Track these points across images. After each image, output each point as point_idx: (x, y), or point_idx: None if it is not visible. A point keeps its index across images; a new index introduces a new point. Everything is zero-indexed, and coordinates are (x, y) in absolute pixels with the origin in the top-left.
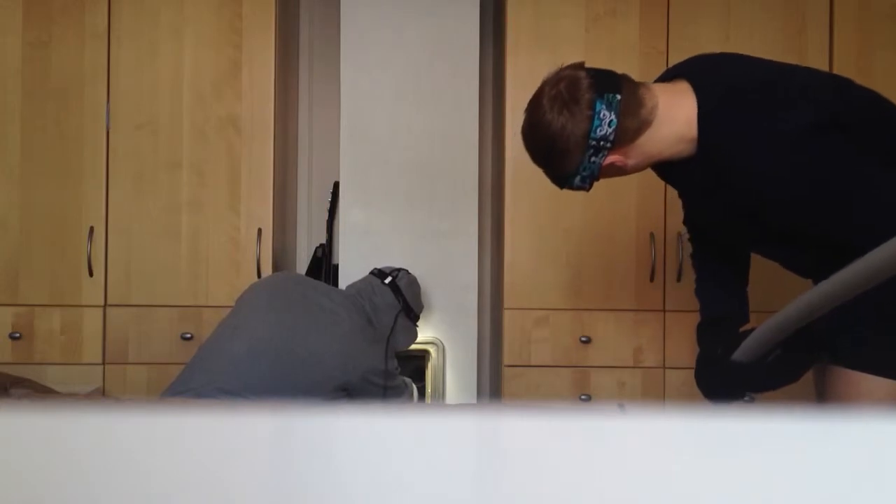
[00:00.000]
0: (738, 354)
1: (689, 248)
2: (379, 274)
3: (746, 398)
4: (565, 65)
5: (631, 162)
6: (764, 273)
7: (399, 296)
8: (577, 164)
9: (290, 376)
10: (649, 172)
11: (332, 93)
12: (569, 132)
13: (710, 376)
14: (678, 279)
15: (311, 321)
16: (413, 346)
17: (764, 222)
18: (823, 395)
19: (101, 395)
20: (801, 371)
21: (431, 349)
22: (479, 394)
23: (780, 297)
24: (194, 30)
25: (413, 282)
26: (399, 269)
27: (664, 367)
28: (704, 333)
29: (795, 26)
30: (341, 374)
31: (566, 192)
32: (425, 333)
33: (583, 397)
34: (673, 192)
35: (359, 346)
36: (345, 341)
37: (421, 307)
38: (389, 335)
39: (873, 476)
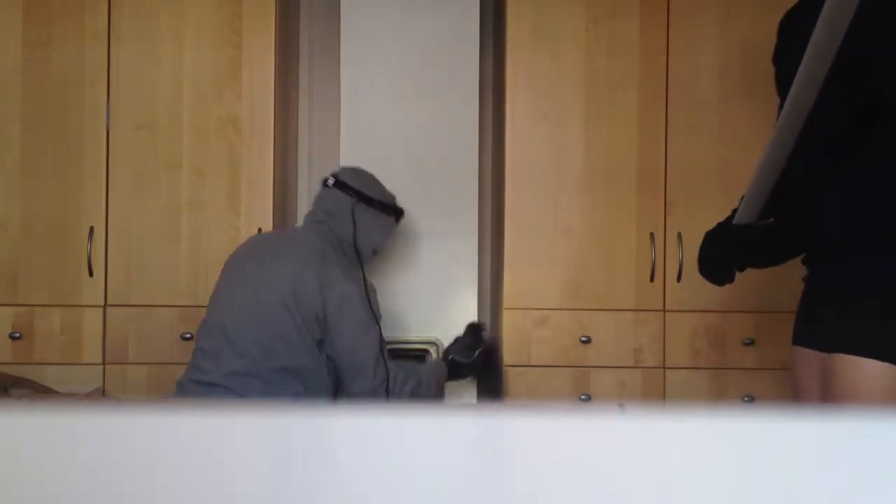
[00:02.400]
0: (737, 217)
1: (689, 247)
2: (323, 182)
3: (736, 270)
4: None
5: None
6: (765, 272)
7: (347, 190)
8: None
9: (269, 325)
10: (649, 172)
11: (332, 93)
12: None
13: (707, 244)
14: (678, 279)
15: (272, 265)
16: (413, 346)
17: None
18: (829, 385)
19: (101, 395)
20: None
21: (431, 349)
22: (479, 394)
23: (781, 298)
24: (194, 30)
25: (360, 173)
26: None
27: (664, 367)
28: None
29: None
30: (310, 300)
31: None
32: (425, 333)
33: (583, 397)
34: (673, 192)
35: (317, 265)
36: (300, 263)
37: (391, 196)
38: (354, 235)
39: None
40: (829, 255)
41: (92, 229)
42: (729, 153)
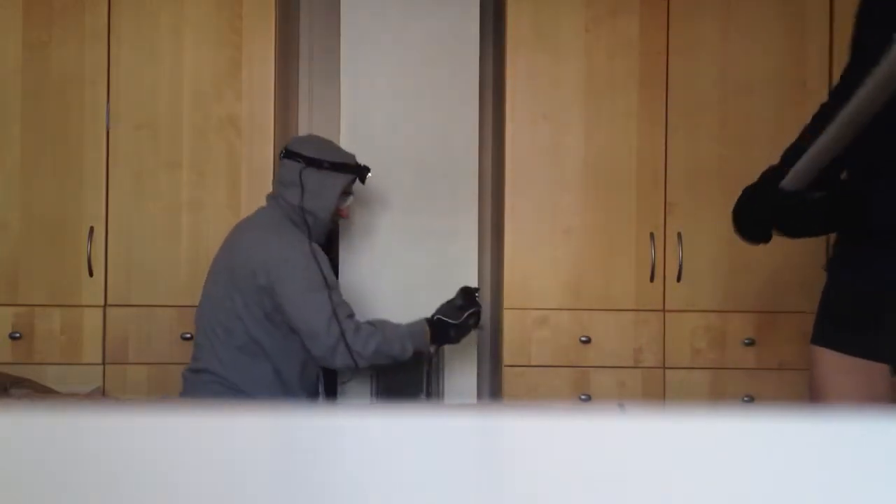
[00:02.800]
0: (785, 182)
1: (689, 247)
2: (280, 156)
3: (774, 233)
4: None
5: None
6: (766, 273)
7: (295, 157)
8: None
9: (224, 305)
10: (649, 172)
11: (332, 93)
12: None
13: (748, 201)
14: (678, 279)
15: (225, 248)
16: None
17: None
18: None
19: (101, 395)
20: (828, 221)
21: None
22: (479, 394)
23: (781, 298)
24: (194, 30)
25: (310, 138)
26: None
27: (664, 367)
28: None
29: (795, 26)
30: (249, 273)
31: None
32: None
33: (583, 397)
34: (673, 192)
35: (255, 237)
36: (241, 238)
37: (347, 156)
38: (302, 199)
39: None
40: (882, 249)
41: (92, 229)
42: (729, 153)
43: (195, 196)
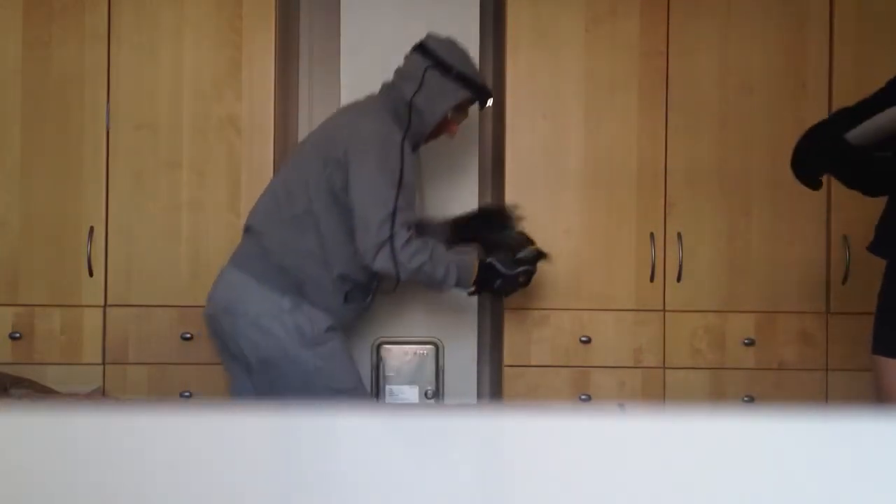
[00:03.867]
0: (852, 134)
1: (689, 247)
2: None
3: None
4: None
5: None
6: (766, 273)
7: (426, 54)
8: None
9: (298, 171)
10: (649, 172)
11: (332, 93)
12: None
13: (812, 139)
14: (678, 279)
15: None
16: (412, 346)
17: None
18: None
19: (101, 395)
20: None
21: (431, 349)
22: (479, 394)
23: (781, 298)
24: (194, 30)
25: (450, 43)
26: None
27: (664, 367)
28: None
29: (795, 26)
30: (336, 143)
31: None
32: (425, 333)
33: (583, 397)
34: (673, 192)
35: (356, 113)
36: (343, 113)
37: (478, 75)
38: (415, 94)
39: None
40: None
41: (92, 229)
42: (729, 153)
43: (195, 196)
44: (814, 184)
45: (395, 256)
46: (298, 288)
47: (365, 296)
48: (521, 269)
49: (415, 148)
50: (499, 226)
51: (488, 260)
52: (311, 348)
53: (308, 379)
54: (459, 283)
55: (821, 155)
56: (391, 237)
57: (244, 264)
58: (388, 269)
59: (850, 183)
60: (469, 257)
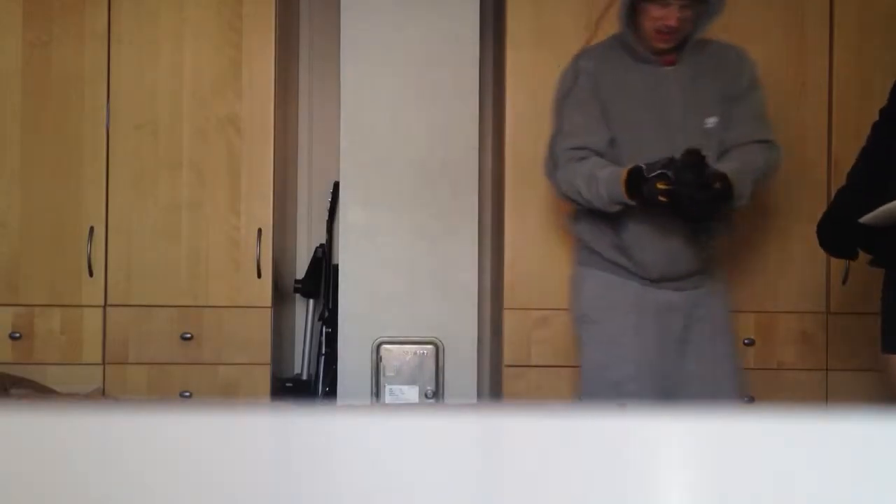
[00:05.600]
0: (867, 218)
1: None
2: None
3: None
4: None
5: None
6: (766, 273)
7: None
8: None
9: None
10: None
11: (332, 93)
12: None
13: (831, 228)
14: None
15: None
16: (413, 346)
17: None
18: None
19: (101, 395)
20: None
21: (431, 349)
22: (479, 394)
23: (781, 298)
24: (194, 30)
25: None
26: None
27: None
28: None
29: (795, 26)
30: None
31: None
32: (425, 333)
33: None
34: None
35: None
36: None
37: None
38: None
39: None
40: None
41: (92, 229)
42: None
43: (195, 196)
44: (846, 258)
45: (556, 172)
46: None
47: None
48: (657, 173)
49: (638, 61)
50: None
51: (670, 188)
52: None
53: None
54: (614, 199)
55: (843, 247)
56: (549, 156)
57: None
58: (552, 184)
59: (878, 257)
60: (617, 170)
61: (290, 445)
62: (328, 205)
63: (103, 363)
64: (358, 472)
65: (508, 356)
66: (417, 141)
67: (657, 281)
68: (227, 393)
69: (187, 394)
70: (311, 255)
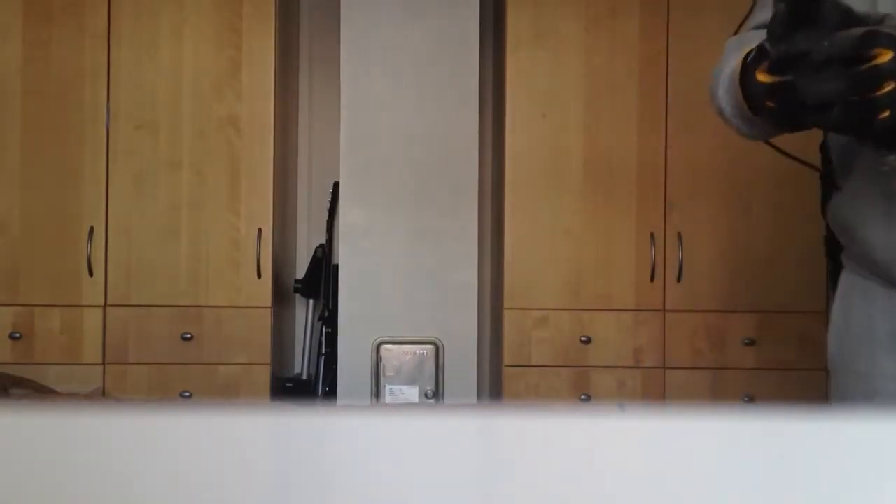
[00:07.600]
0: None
1: (689, 247)
2: None
3: None
4: None
5: None
6: (766, 273)
7: None
8: None
9: None
10: (649, 172)
11: (332, 93)
12: None
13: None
14: (678, 279)
15: None
16: (412, 346)
17: None
18: None
19: (101, 395)
20: None
21: (431, 349)
22: (479, 394)
23: (781, 297)
24: (194, 30)
25: None
26: None
27: (664, 367)
28: None
29: None
30: None
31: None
32: (425, 333)
33: (583, 397)
34: (673, 192)
35: None
36: None
37: None
38: None
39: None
40: None
41: (92, 229)
42: (729, 153)
43: (195, 196)
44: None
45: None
46: None
47: None
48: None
49: None
50: None
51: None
52: None
53: None
54: (738, 109)
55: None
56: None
57: None
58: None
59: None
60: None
61: (290, 445)
62: (328, 205)
63: (103, 363)
64: (358, 473)
65: (508, 356)
66: (417, 141)
67: None
68: (227, 393)
69: (187, 394)
70: (311, 255)
